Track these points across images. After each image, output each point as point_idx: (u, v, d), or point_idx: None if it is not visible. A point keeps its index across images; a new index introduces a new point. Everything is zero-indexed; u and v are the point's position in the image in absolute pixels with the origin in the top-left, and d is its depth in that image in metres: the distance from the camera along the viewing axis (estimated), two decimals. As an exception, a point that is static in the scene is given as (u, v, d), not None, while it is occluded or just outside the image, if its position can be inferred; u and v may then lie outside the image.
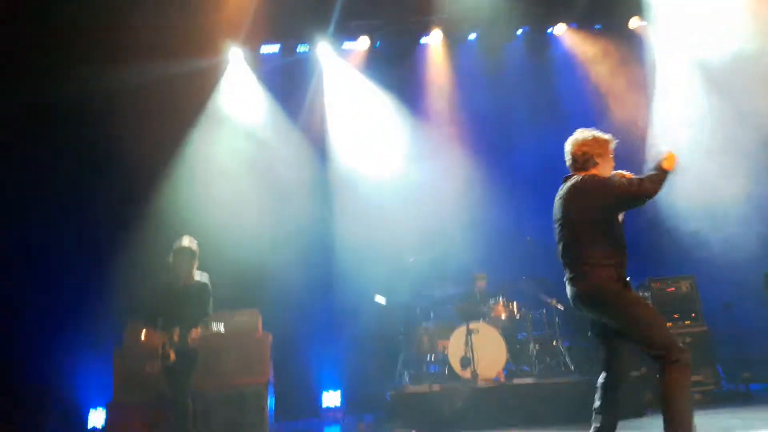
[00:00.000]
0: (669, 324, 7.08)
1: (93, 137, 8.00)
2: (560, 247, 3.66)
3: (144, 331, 5.23)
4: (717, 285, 7.64)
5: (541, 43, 9.62)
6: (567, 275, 3.62)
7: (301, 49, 9.35)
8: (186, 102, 8.37)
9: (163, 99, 7.85)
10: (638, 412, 5.91)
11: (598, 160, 3.63)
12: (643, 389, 6.32)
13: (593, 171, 3.64)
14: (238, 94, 8.87)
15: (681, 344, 3.42)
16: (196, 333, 5.05)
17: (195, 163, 8.30)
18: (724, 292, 7.62)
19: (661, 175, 3.42)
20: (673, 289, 7.21)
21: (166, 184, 8.13)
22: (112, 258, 7.50)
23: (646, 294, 7.33)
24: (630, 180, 3.47)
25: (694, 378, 6.80)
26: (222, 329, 6.31)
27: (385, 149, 9.07)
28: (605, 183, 3.50)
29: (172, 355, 5.08)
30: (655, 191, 3.40)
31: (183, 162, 8.32)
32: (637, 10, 9.26)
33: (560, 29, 9.51)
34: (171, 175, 8.21)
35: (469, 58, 9.50)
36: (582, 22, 9.54)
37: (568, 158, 3.76)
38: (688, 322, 7.09)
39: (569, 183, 3.64)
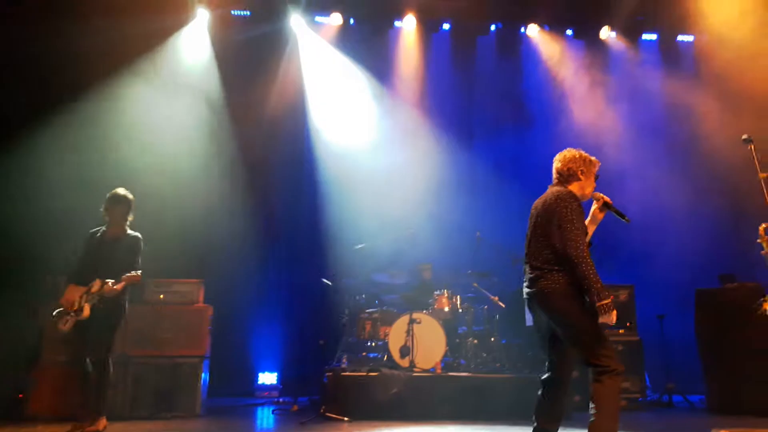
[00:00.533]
0: (605, 331, 7.31)
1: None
2: (528, 245, 3.81)
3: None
4: (652, 297, 7.94)
5: (513, 41, 9.67)
6: (528, 274, 3.75)
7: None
8: (139, 59, 8.04)
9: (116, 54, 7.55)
10: (565, 415, 6.07)
11: (581, 176, 3.79)
12: (572, 392, 6.51)
13: (575, 184, 3.78)
14: (196, 56, 8.56)
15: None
16: (116, 285, 4.80)
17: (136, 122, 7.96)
18: (658, 304, 7.92)
19: (594, 291, 3.49)
20: (612, 297, 7.40)
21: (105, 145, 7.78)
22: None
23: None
24: (579, 244, 3.51)
25: (623, 385, 7.06)
26: (160, 296, 6.29)
27: (354, 128, 8.98)
28: (568, 221, 3.55)
29: (86, 310, 4.80)
30: (582, 273, 3.49)
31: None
32: (609, 20, 9.44)
33: (533, 30, 9.59)
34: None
35: (441, 48, 9.47)
36: (554, 25, 9.65)
37: (554, 172, 3.89)
38: (623, 331, 7.32)
39: (552, 191, 3.77)
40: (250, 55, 8.76)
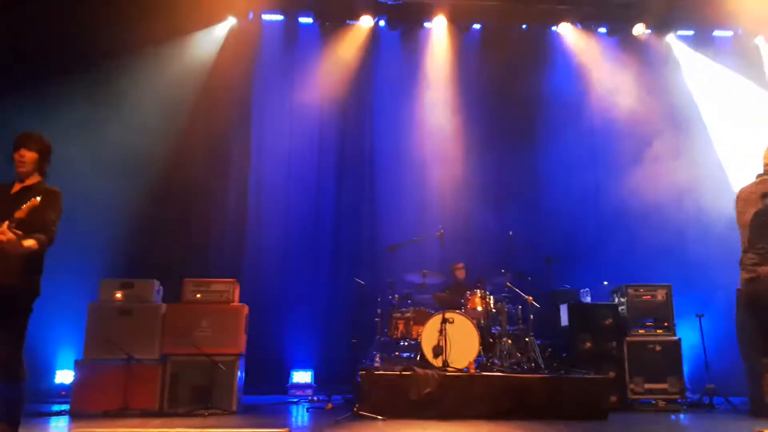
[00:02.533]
0: (641, 331, 7.20)
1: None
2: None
3: None
4: (692, 296, 7.77)
5: (544, 41, 9.62)
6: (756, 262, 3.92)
7: (303, 20, 9.33)
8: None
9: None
10: (602, 415, 6.00)
11: None
12: (608, 392, 6.42)
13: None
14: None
15: None
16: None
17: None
18: (697, 303, 7.75)
19: None
20: (649, 297, 7.29)
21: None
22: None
23: (622, 299, 7.42)
24: None
25: (660, 386, 6.94)
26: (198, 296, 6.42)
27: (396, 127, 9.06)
28: None
29: None
30: None
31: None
32: (644, 17, 9.31)
33: (565, 28, 9.52)
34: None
35: (470, 49, 9.47)
36: (586, 23, 9.57)
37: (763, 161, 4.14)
38: (660, 330, 7.19)
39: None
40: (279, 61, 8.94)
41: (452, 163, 8.84)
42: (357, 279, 7.41)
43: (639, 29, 9.53)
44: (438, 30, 9.53)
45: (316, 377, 8.14)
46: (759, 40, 9.50)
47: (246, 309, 6.56)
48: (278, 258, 8.09)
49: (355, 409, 5.79)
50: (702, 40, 9.58)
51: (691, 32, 9.75)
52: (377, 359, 6.73)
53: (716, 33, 9.74)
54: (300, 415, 6.31)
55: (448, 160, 8.86)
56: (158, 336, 6.32)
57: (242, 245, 7.82)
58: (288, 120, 8.90)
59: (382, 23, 9.48)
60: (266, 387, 7.85)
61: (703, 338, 7.35)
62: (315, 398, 7.49)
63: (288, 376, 8.10)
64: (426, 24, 9.53)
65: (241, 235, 7.84)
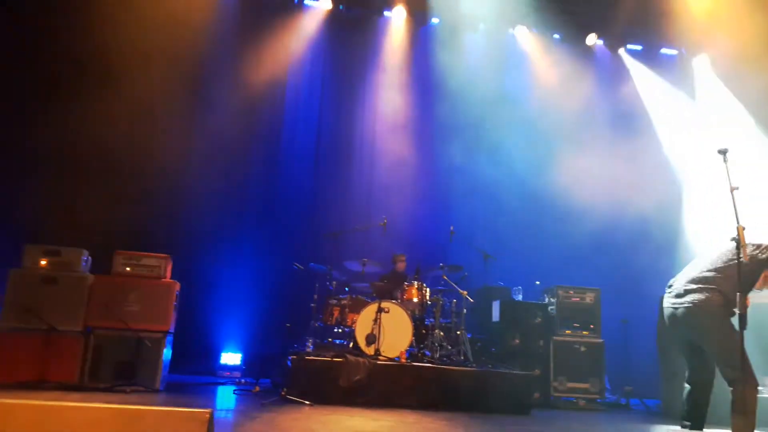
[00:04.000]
0: (568, 331, 7.43)
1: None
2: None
3: None
4: (619, 301, 8.07)
5: (500, 42, 9.74)
6: None
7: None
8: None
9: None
10: (524, 411, 6.17)
11: None
12: (532, 389, 6.62)
13: None
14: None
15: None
16: None
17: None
18: (624, 308, 8.06)
19: None
20: (578, 299, 7.54)
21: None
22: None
23: (552, 299, 7.64)
24: None
25: (582, 385, 7.19)
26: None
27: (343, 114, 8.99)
28: None
29: None
30: None
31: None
32: (597, 26, 9.58)
33: (521, 31, 9.69)
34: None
35: (426, 43, 9.49)
36: (541, 29, 9.76)
37: None
38: (586, 332, 7.44)
39: None
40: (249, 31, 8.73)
41: (401, 154, 8.86)
42: (295, 264, 7.34)
43: (591, 39, 9.79)
44: (396, 20, 9.51)
45: (246, 360, 8.04)
46: (697, 60, 9.89)
47: (177, 286, 6.39)
48: (216, 238, 7.91)
49: (282, 393, 5.75)
50: (650, 55, 9.92)
51: (639, 47, 10.09)
52: (309, 344, 6.70)
53: (663, 50, 10.12)
54: (226, 396, 6.21)
55: (398, 152, 8.87)
56: (83, 307, 6.06)
57: (178, 222, 7.59)
58: (236, 99, 8.68)
59: (341, 6, 9.41)
60: (194, 367, 7.70)
61: (626, 342, 7.66)
62: (243, 381, 7.40)
63: (217, 356, 7.97)
64: (386, 12, 9.50)
65: (178, 211, 7.61)
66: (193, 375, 7.54)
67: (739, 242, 4.12)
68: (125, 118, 7.79)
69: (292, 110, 9.09)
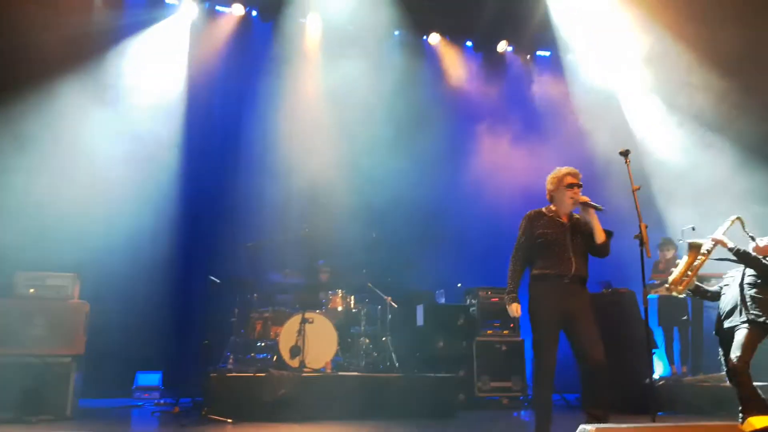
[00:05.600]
0: (489, 332, 7.61)
1: None
2: None
3: None
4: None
5: (414, 48, 9.88)
6: None
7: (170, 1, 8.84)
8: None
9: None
10: (450, 413, 6.26)
11: (554, 194, 4.39)
12: (457, 391, 6.73)
13: (552, 204, 4.42)
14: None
15: None
16: None
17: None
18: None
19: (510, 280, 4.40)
20: (498, 299, 7.73)
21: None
22: None
23: (473, 301, 7.80)
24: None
25: (505, 384, 7.38)
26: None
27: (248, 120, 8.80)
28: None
29: None
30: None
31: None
32: (509, 34, 9.89)
33: (434, 38, 9.87)
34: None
35: (342, 49, 9.45)
36: (454, 36, 9.99)
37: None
38: (506, 331, 7.65)
39: None
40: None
41: (321, 161, 8.78)
42: (212, 277, 7.11)
43: (502, 46, 10.12)
44: (311, 27, 9.45)
45: (165, 379, 7.68)
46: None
47: (87, 306, 6.01)
48: (127, 252, 7.50)
49: (203, 412, 5.55)
50: (558, 61, 10.33)
51: (548, 53, 10.51)
52: (231, 360, 6.52)
53: (570, 56, 10.55)
54: (144, 419, 5.94)
55: (317, 159, 8.78)
56: (-20, 335, 5.62)
57: (85, 238, 7.16)
58: (150, 105, 8.33)
59: (254, 13, 9.26)
60: (109, 390, 7.29)
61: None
62: (162, 401, 7.09)
63: (134, 378, 7.58)
64: (300, 19, 9.41)
65: (85, 226, 7.18)
66: (108, 399, 7.15)
67: (642, 239, 4.33)
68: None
69: (211, 119, 8.83)
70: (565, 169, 4.38)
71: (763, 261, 4.65)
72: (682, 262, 4.84)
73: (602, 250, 4.28)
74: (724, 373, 6.70)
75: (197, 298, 7.73)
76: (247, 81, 9.09)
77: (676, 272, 4.83)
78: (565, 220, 4.35)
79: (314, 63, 9.31)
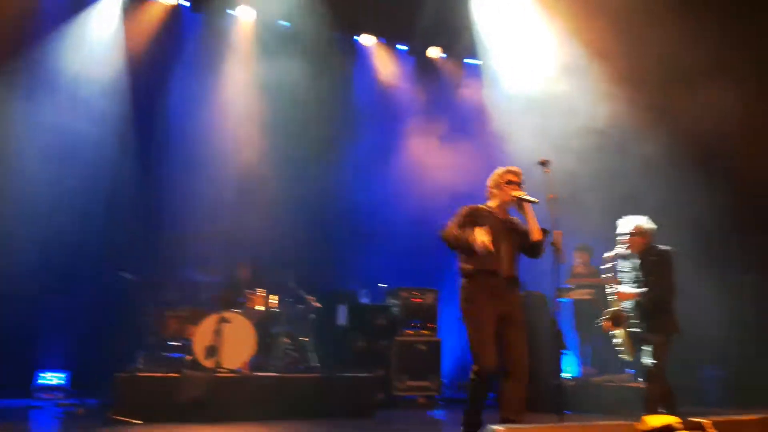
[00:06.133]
0: (409, 332, 7.68)
1: None
2: None
3: None
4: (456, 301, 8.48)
5: (349, 49, 9.86)
6: None
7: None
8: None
9: None
10: (368, 413, 6.28)
11: (493, 191, 4.41)
12: (375, 390, 6.76)
13: (490, 202, 4.43)
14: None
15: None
16: None
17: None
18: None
19: (456, 240, 4.16)
20: (419, 299, 7.82)
21: None
22: None
23: (395, 301, 7.86)
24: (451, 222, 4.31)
25: (422, 383, 7.48)
26: None
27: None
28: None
29: None
30: (445, 239, 4.23)
31: None
32: (442, 40, 10.04)
33: (367, 40, 9.88)
34: None
35: (275, 45, 9.29)
36: (389, 40, 10.05)
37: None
38: (426, 331, 7.75)
39: None
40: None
41: (249, 157, 8.60)
42: (124, 273, 6.80)
43: (435, 52, 10.24)
44: (243, 21, 9.22)
45: (74, 380, 7.30)
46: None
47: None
48: (32, 246, 7.09)
49: (110, 413, 5.32)
50: (485, 68, 10.55)
51: (477, 61, 10.72)
52: (141, 360, 6.29)
53: (496, 63, 10.79)
54: (45, 421, 5.63)
55: (245, 154, 8.60)
56: None
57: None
58: (70, 92, 7.90)
59: (186, 3, 8.95)
60: (7, 390, 6.84)
61: (462, 339, 8.08)
62: (67, 402, 6.73)
63: (35, 377, 7.15)
64: (231, 12, 9.18)
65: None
66: (6, 399, 6.71)
67: (556, 246, 4.46)
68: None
69: (135, 109, 8.43)
70: (506, 168, 4.43)
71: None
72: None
73: (536, 249, 4.31)
74: (627, 373, 7.12)
75: (111, 295, 7.37)
76: (175, 72, 8.77)
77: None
78: (502, 217, 4.36)
79: (246, 57, 9.07)
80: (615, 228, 5.33)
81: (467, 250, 4.11)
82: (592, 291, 7.57)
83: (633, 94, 8.50)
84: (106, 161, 7.92)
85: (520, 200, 4.30)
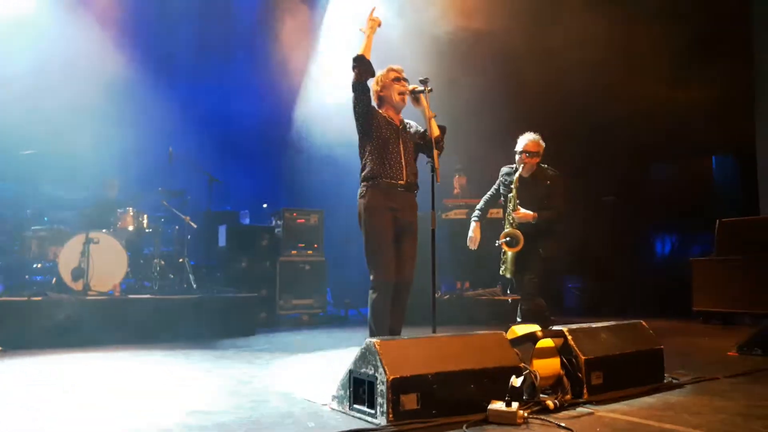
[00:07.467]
0: (294, 252, 7.66)
1: None
2: None
3: None
4: (341, 221, 8.52)
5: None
6: None
7: None
8: None
9: None
10: (249, 331, 6.28)
11: (382, 94, 4.08)
12: (258, 310, 6.76)
13: (387, 101, 4.09)
14: None
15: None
16: None
17: None
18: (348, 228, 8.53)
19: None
20: (303, 220, 7.77)
21: None
22: None
23: (279, 222, 7.75)
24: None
25: (306, 302, 7.57)
26: None
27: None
28: None
29: None
30: (356, 77, 3.87)
31: None
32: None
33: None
34: None
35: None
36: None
37: None
38: (311, 252, 7.76)
39: None
40: None
41: (113, 76, 7.84)
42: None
43: None
44: None
45: None
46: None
47: None
48: None
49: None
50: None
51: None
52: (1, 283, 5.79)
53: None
54: None
55: (108, 74, 7.81)
56: None
57: None
58: None
59: None
60: None
61: (346, 259, 8.20)
62: None
63: None
64: None
65: None
66: None
67: (433, 166, 4.31)
68: None
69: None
70: (387, 67, 4.08)
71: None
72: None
73: (436, 145, 3.95)
74: (497, 287, 7.60)
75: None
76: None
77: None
78: (397, 123, 4.06)
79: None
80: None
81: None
82: (466, 211, 7.85)
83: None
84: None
85: (414, 93, 3.97)
